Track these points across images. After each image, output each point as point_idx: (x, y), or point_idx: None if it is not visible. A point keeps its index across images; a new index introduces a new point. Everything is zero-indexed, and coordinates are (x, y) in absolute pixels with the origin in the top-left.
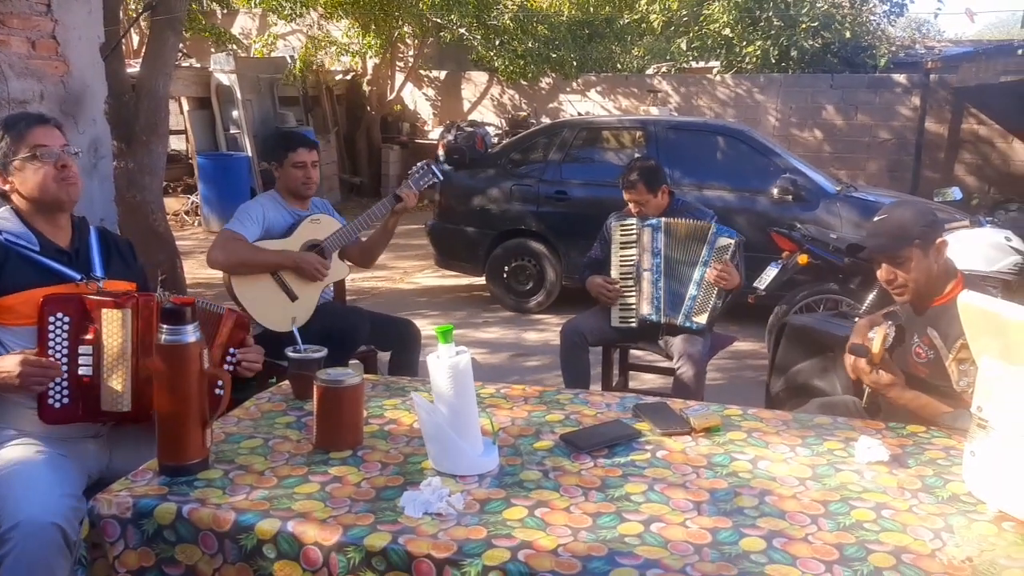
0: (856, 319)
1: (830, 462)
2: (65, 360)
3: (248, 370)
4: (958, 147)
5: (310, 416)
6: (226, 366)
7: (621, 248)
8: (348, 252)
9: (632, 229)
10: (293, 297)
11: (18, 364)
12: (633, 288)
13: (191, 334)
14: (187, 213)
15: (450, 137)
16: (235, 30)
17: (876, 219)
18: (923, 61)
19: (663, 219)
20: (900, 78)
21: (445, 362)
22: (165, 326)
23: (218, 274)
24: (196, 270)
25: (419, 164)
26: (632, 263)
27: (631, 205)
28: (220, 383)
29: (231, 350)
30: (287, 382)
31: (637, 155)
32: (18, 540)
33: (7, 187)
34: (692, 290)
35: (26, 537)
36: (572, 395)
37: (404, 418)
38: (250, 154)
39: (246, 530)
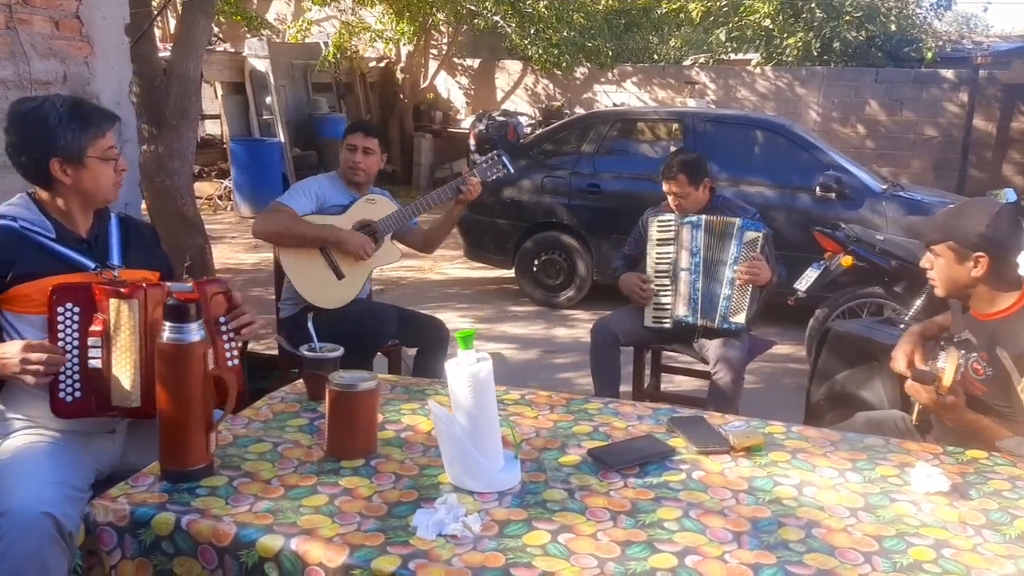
0: (901, 325)
1: (884, 491)
2: (76, 352)
3: (247, 335)
4: (1007, 146)
5: (323, 419)
6: (225, 340)
7: (658, 245)
8: (409, 239)
9: (671, 225)
10: (340, 275)
11: (20, 351)
12: (669, 287)
13: (195, 332)
14: (220, 198)
15: (481, 127)
16: (270, 15)
17: (949, 207)
18: (972, 56)
19: (703, 216)
20: (948, 73)
21: (464, 369)
22: (168, 324)
23: (248, 260)
24: (226, 255)
25: (490, 154)
26: (669, 261)
27: (670, 198)
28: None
29: (220, 320)
30: (302, 381)
31: (674, 148)
32: (6, 530)
33: (67, 179)
34: (726, 290)
35: (14, 527)
36: (601, 404)
37: (422, 425)
38: (283, 140)
39: (247, 546)
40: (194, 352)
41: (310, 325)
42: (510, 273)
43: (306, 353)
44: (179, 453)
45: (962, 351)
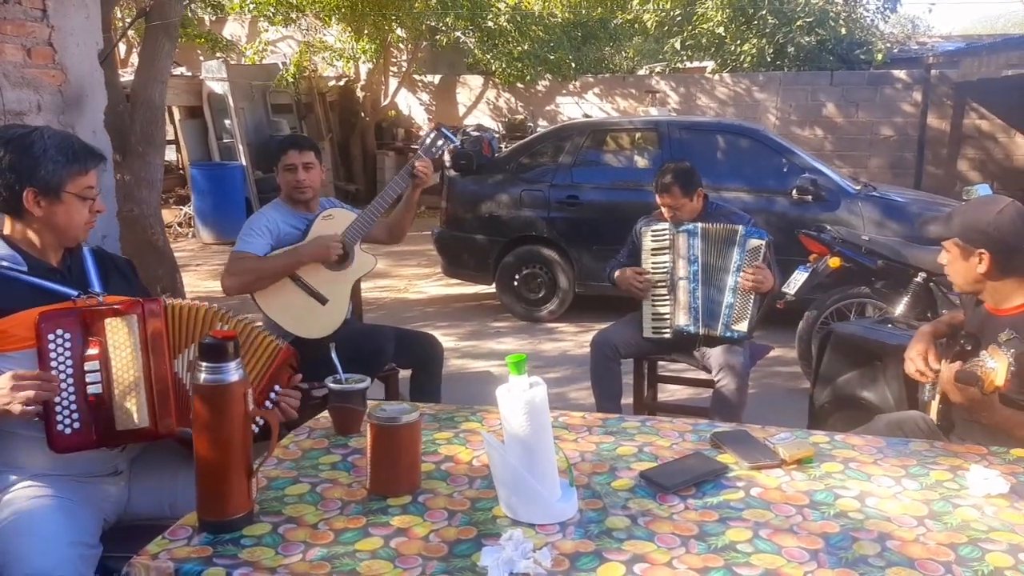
0: (895, 324)
1: (943, 496)
2: (71, 380)
3: (285, 414)
4: (960, 143)
5: (356, 455)
6: (267, 403)
7: (653, 255)
8: (375, 233)
9: (665, 234)
10: (323, 300)
11: (9, 379)
12: (667, 297)
13: (234, 372)
14: (180, 224)
15: (456, 142)
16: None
17: (965, 202)
18: (923, 57)
19: (699, 224)
20: (901, 74)
21: (519, 396)
22: (204, 364)
23: (216, 287)
24: (194, 283)
25: (428, 130)
26: (665, 270)
27: (664, 210)
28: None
29: (276, 388)
30: (326, 414)
31: (645, 156)
32: None
33: (39, 211)
34: (728, 297)
35: None
36: (639, 423)
37: (461, 454)
38: (244, 163)
39: None
40: (233, 393)
41: (334, 355)
42: (489, 289)
43: (332, 385)
44: (219, 501)
45: (1012, 350)
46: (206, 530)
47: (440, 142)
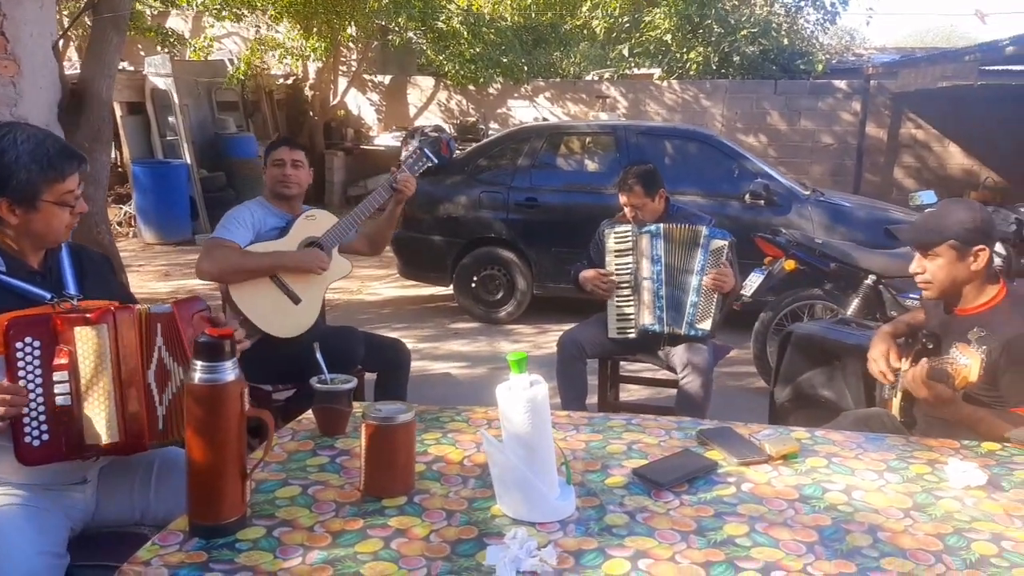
0: (853, 324)
1: (925, 489)
2: (39, 390)
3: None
4: (897, 151)
5: (344, 456)
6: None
7: (617, 256)
8: (355, 244)
9: (628, 236)
10: (296, 300)
11: None
12: (631, 297)
13: (230, 371)
14: (120, 224)
15: (414, 143)
16: None
17: (928, 210)
18: (858, 67)
19: (662, 225)
20: (841, 84)
21: (520, 395)
22: (199, 363)
23: (161, 288)
24: (137, 284)
25: (412, 148)
26: (629, 271)
27: (627, 210)
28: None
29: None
30: (309, 415)
31: (599, 160)
32: None
33: (14, 220)
34: (692, 297)
35: None
36: (624, 421)
37: (451, 455)
38: (189, 161)
39: None
40: (229, 393)
41: (319, 355)
42: (446, 290)
43: (317, 385)
44: (213, 505)
45: (984, 346)
46: (198, 534)
47: (422, 161)
